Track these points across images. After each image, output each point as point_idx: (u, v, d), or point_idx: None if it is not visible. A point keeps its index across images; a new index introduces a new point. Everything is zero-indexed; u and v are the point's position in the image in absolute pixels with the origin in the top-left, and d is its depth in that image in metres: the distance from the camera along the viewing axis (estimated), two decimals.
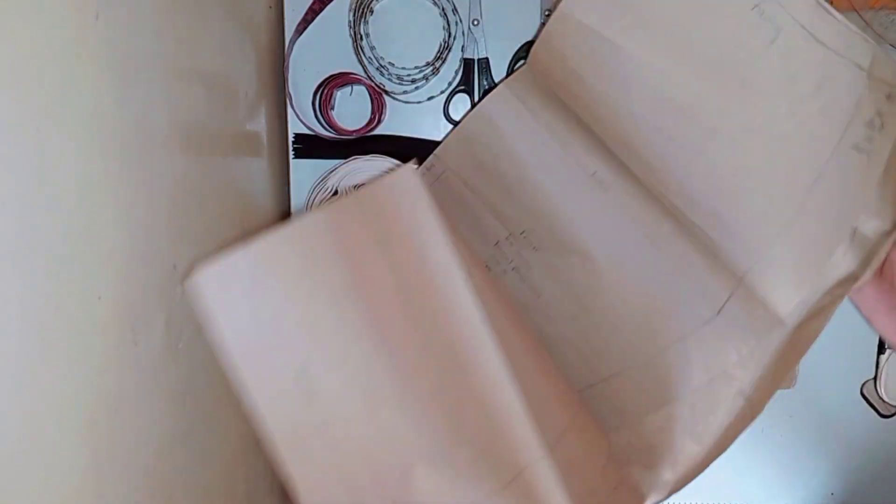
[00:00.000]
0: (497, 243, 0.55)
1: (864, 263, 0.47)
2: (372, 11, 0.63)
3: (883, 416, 0.67)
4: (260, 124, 0.64)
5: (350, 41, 0.63)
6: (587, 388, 0.52)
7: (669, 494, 0.51)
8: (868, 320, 0.50)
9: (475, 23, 0.64)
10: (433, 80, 0.64)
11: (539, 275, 0.54)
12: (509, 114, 0.55)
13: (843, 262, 0.48)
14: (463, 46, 0.64)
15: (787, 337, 0.49)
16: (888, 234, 0.47)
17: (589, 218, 0.53)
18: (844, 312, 0.66)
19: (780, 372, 0.49)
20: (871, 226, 0.47)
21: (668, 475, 0.51)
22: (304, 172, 0.65)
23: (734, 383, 0.49)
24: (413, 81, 0.64)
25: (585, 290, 0.53)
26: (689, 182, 0.50)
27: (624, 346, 0.52)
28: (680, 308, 0.50)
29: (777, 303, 0.48)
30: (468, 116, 0.57)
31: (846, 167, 0.47)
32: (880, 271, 0.48)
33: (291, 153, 0.65)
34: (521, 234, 0.54)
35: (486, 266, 0.55)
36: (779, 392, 0.66)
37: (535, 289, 0.54)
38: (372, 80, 0.64)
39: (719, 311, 0.49)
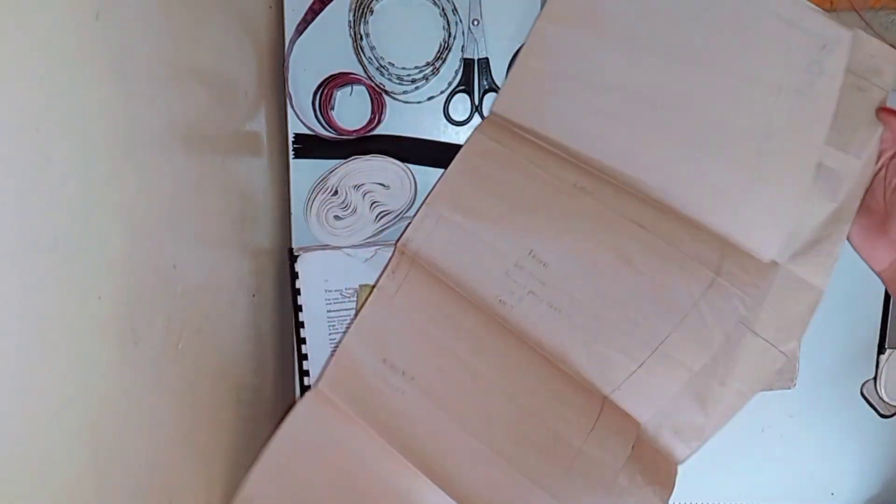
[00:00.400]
0: (507, 272, 0.57)
1: (836, 194, 0.54)
2: (372, 11, 0.63)
3: (883, 416, 0.67)
4: (260, 124, 0.64)
5: (350, 41, 0.63)
6: (615, 390, 0.56)
7: (707, 437, 0.56)
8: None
9: (475, 23, 0.64)
10: (433, 80, 0.64)
11: (553, 290, 0.57)
12: (491, 152, 0.59)
13: (817, 196, 0.54)
14: (463, 46, 0.64)
15: (787, 273, 0.54)
16: (856, 163, 0.54)
17: (583, 221, 0.57)
18: (844, 314, 0.66)
19: (789, 308, 0.55)
20: (837, 159, 0.54)
21: (700, 419, 0.55)
22: (304, 172, 0.65)
23: (743, 327, 0.54)
24: (413, 81, 0.64)
25: (595, 289, 0.56)
26: (663, 159, 0.57)
27: (645, 331, 0.56)
28: (683, 278, 0.55)
29: (763, 249, 0.55)
30: (455, 160, 0.59)
31: (793, 110, 0.54)
32: None
33: (291, 153, 0.65)
34: (529, 254, 0.57)
35: (500, 300, 0.57)
36: (779, 392, 0.66)
37: (553, 305, 0.57)
38: (372, 80, 0.64)
39: (718, 272, 0.55)
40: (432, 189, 0.59)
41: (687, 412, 0.56)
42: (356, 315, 0.59)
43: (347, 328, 0.59)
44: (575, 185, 0.57)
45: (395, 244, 0.59)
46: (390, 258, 0.59)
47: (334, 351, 0.60)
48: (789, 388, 0.66)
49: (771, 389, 0.66)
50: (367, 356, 0.56)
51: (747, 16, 0.55)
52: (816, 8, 0.54)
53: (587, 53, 0.58)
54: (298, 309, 0.65)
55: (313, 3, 0.63)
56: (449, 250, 0.58)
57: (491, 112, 0.60)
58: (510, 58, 0.64)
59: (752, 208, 0.55)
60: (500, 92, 0.61)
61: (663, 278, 0.55)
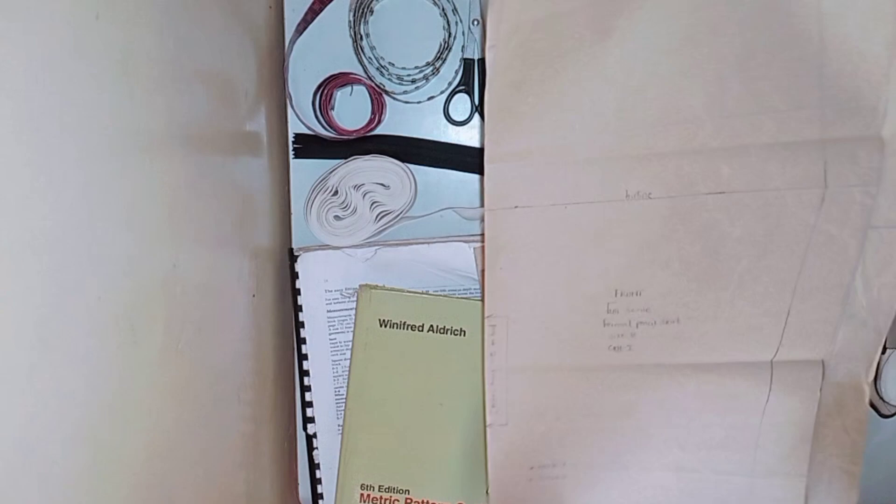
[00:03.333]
0: (604, 322, 0.54)
1: None
2: (372, 11, 0.63)
3: (883, 416, 0.67)
4: (260, 124, 0.64)
5: (350, 41, 0.63)
6: (777, 350, 0.54)
7: (880, 347, 0.54)
8: None
9: (475, 23, 0.64)
10: (433, 80, 0.64)
11: (661, 308, 0.54)
12: (512, 222, 0.53)
13: None
14: (463, 46, 0.64)
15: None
16: None
17: (652, 229, 0.52)
18: None
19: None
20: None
21: (867, 334, 0.53)
22: (304, 172, 0.65)
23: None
24: (413, 81, 0.64)
25: (702, 282, 0.53)
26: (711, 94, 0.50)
27: (775, 284, 0.53)
28: (788, 215, 0.51)
29: (867, 124, 0.48)
30: (487, 237, 0.53)
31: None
32: None
33: (291, 153, 0.65)
34: (616, 294, 0.54)
35: (613, 348, 0.54)
36: None
37: (668, 320, 0.54)
38: (372, 80, 0.64)
39: (826, 183, 0.49)
40: (483, 294, 0.55)
41: (853, 335, 0.53)
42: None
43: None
44: (627, 196, 0.51)
45: (483, 371, 0.55)
46: (485, 387, 0.56)
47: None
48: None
49: None
50: (516, 475, 0.57)
51: None
52: None
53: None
54: (298, 309, 0.65)
55: (313, 4, 0.63)
56: (535, 345, 0.55)
57: (487, 160, 0.52)
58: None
59: (835, 88, 0.47)
60: (486, 132, 0.52)
61: (767, 227, 0.50)
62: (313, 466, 0.67)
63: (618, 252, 0.53)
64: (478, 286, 0.63)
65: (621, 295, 0.53)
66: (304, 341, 0.65)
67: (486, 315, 0.55)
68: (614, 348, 0.54)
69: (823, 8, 0.47)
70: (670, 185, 0.51)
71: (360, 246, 0.64)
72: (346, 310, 0.65)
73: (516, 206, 0.52)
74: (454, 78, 0.64)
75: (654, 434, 0.56)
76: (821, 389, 0.53)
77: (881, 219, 0.50)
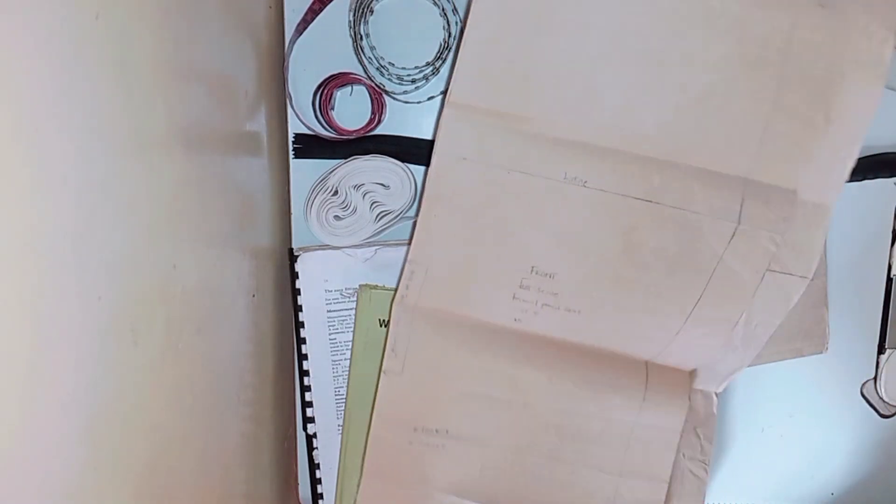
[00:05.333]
0: (514, 296, 0.57)
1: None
2: (372, 11, 0.63)
3: (883, 416, 0.67)
4: (260, 124, 0.64)
5: (350, 41, 0.63)
6: (656, 356, 0.58)
7: (740, 372, 0.58)
8: None
9: None
10: (433, 80, 0.64)
11: (568, 296, 0.56)
12: (461, 175, 0.55)
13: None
14: None
15: (807, 207, 0.53)
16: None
17: (580, 218, 0.55)
18: (844, 314, 0.66)
19: (811, 243, 0.54)
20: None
21: (735, 360, 0.57)
22: (304, 172, 0.65)
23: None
24: (413, 81, 0.64)
25: (612, 280, 0.56)
26: (659, 110, 0.53)
27: (675, 302, 0.55)
28: (702, 239, 0.53)
29: (788, 178, 0.52)
30: (424, 201, 0.56)
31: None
32: None
33: (291, 153, 0.65)
34: (532, 271, 0.56)
35: (515, 319, 0.57)
36: (778, 391, 0.66)
37: (571, 309, 0.57)
38: (372, 80, 0.64)
39: (740, 219, 0.53)
40: (410, 240, 0.58)
41: (722, 356, 0.57)
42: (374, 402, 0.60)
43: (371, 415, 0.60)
44: (564, 178, 0.53)
45: (390, 311, 0.58)
46: (387, 333, 0.59)
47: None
48: (821, 353, 0.66)
49: (802, 356, 0.66)
50: (397, 435, 0.58)
51: None
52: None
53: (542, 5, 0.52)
54: (298, 309, 0.65)
55: (313, 4, 0.63)
56: (446, 295, 0.58)
57: (448, 103, 0.54)
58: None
59: (773, 143, 0.52)
60: (454, 77, 0.54)
61: (681, 247, 0.54)
62: (313, 466, 0.67)
63: (544, 230, 0.55)
64: None
65: (536, 273, 0.56)
66: (304, 341, 0.65)
67: (408, 259, 0.57)
68: (516, 320, 0.58)
69: (786, 73, 0.51)
70: (605, 179, 0.53)
71: (360, 246, 0.64)
72: (346, 310, 0.65)
73: (464, 158, 0.54)
74: None
75: (536, 416, 0.58)
76: (689, 399, 0.57)
77: (779, 264, 0.54)
